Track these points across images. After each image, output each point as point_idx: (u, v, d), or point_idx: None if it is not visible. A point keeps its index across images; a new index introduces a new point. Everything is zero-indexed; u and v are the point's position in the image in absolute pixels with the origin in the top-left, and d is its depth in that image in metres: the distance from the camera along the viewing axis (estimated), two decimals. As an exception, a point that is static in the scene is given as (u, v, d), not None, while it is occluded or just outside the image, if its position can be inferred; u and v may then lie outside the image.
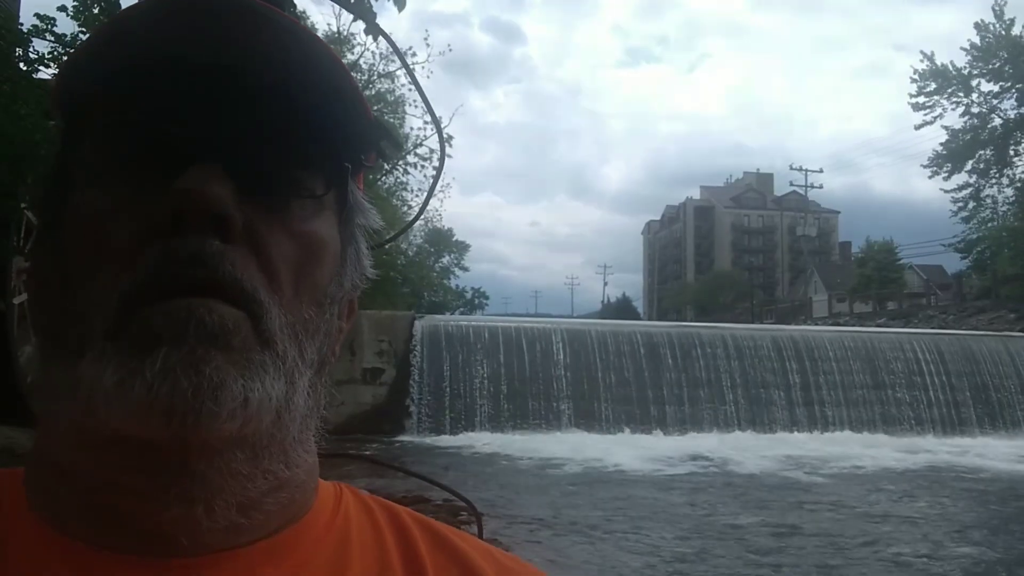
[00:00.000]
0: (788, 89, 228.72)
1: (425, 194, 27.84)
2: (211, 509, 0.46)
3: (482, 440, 14.04)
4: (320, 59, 0.49)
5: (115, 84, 0.47)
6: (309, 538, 0.52)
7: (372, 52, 23.94)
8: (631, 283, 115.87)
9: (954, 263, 37.34)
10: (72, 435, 0.47)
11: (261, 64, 0.47)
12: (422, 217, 30.11)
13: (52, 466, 0.48)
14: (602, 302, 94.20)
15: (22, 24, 11.39)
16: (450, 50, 24.54)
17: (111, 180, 0.47)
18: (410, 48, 23.86)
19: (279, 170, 0.49)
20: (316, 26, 22.77)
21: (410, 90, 24.91)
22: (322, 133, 0.50)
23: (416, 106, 23.83)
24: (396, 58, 23.40)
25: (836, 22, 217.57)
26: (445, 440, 14.24)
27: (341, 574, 0.51)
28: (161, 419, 0.42)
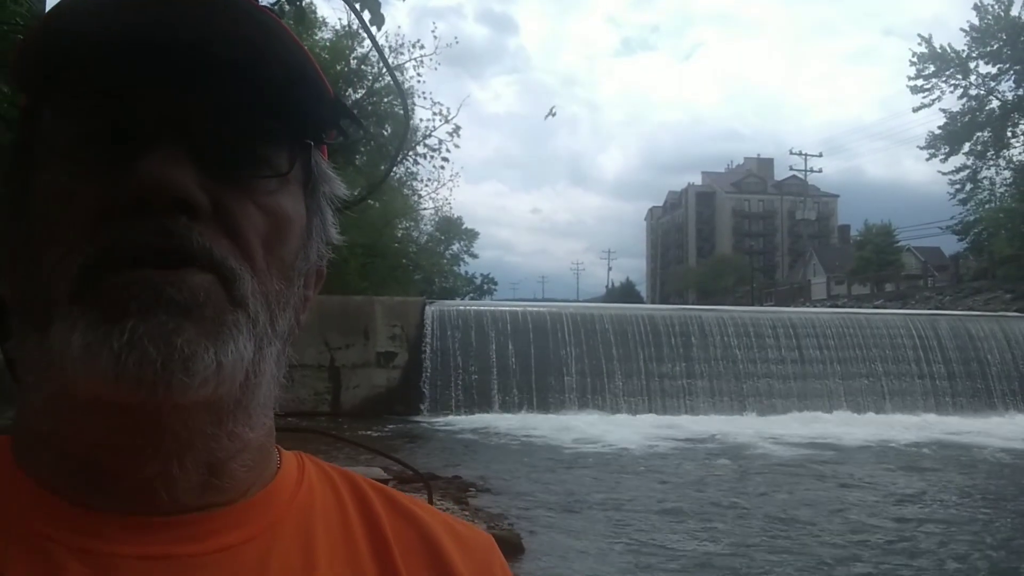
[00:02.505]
0: (780, 75, 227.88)
1: (434, 182, 28.17)
2: (184, 465, 0.48)
3: (492, 420, 14.43)
4: (280, 40, 0.49)
5: (76, 61, 0.47)
6: (278, 502, 0.54)
7: (381, 45, 24.15)
8: (634, 268, 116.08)
9: (952, 245, 37.63)
10: (51, 403, 0.48)
11: (222, 43, 0.47)
12: (432, 206, 30.47)
13: (34, 433, 0.50)
14: (606, 286, 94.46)
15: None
16: (456, 42, 24.85)
17: (73, 156, 0.47)
18: (418, 41, 24.22)
19: (242, 147, 0.49)
20: (326, 20, 23.11)
21: (419, 82, 25.25)
22: (283, 110, 0.50)
23: (424, 97, 24.12)
24: (404, 51, 23.76)
25: (826, 8, 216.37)
26: (456, 421, 14.61)
27: (308, 537, 0.53)
28: (131, 386, 0.43)
